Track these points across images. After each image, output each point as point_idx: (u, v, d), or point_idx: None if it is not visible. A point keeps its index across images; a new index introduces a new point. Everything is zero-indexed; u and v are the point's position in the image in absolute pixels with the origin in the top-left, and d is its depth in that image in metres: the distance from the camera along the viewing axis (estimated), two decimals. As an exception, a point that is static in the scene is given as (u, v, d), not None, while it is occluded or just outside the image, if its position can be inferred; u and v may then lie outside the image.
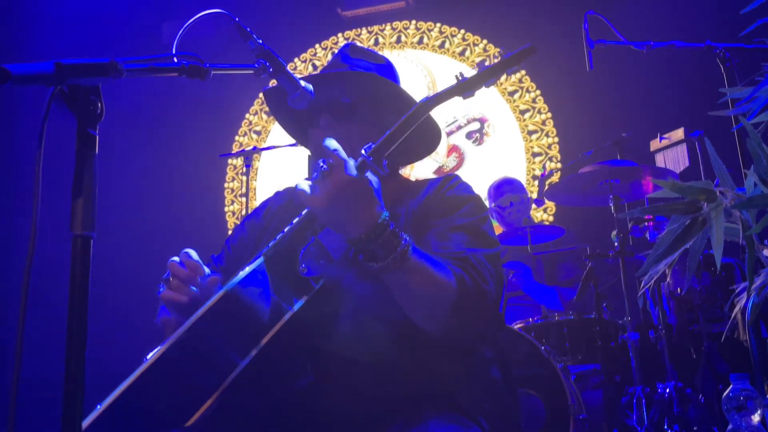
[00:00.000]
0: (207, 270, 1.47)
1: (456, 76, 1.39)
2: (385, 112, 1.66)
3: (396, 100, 1.68)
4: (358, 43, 1.77)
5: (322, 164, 1.29)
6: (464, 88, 1.39)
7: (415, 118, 1.36)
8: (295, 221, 1.42)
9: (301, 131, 1.79)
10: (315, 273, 1.37)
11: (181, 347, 1.27)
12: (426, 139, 1.75)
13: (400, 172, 1.79)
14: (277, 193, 1.86)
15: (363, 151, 1.32)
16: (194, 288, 1.45)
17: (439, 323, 1.37)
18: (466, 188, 1.65)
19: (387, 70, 1.75)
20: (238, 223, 6.03)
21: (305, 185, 1.31)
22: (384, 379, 1.40)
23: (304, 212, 1.43)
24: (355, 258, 1.32)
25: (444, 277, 1.35)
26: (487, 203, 4.09)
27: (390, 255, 1.28)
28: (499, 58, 1.40)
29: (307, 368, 1.42)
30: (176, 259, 1.48)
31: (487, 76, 1.39)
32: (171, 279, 1.47)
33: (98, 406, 1.26)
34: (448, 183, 1.65)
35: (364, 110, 1.66)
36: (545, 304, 3.85)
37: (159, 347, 1.46)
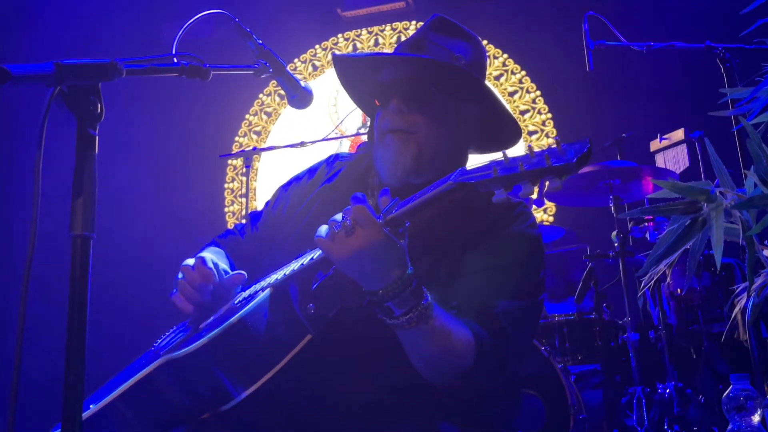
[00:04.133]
0: (220, 275, 1.47)
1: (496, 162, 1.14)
2: (462, 108, 1.53)
3: (476, 97, 1.54)
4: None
5: (343, 218, 1.21)
6: (509, 181, 1.11)
7: (444, 195, 1.17)
8: (306, 261, 1.33)
9: (371, 102, 1.62)
10: (326, 312, 1.31)
11: (176, 369, 1.25)
12: (504, 134, 1.59)
13: None
14: (333, 158, 1.73)
15: (382, 215, 1.21)
16: (203, 293, 1.45)
17: (444, 384, 1.33)
18: (533, 226, 1.50)
19: (477, 58, 1.57)
20: (238, 222, 6.01)
21: (324, 231, 1.23)
22: (395, 399, 1.37)
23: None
24: (370, 308, 1.26)
25: (462, 343, 1.28)
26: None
27: (407, 315, 1.22)
28: (557, 145, 1.15)
29: (317, 404, 1.38)
30: (190, 262, 1.46)
31: (533, 175, 1.10)
32: (181, 284, 1.45)
33: (91, 406, 1.27)
34: (519, 218, 1.48)
35: (439, 102, 1.50)
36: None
37: (166, 334, 1.47)
